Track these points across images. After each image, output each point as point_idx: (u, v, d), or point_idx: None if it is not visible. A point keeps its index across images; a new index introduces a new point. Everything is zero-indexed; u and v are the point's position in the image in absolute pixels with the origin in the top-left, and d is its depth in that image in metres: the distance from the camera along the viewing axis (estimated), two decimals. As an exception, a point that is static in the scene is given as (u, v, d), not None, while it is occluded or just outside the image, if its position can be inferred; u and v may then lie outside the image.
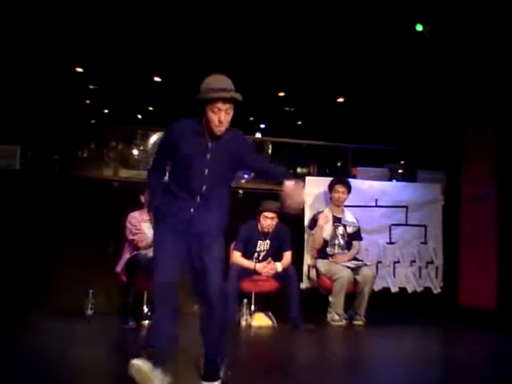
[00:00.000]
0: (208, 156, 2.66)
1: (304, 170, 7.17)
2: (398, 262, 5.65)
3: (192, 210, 2.67)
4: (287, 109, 9.16)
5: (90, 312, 4.68)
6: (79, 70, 7.46)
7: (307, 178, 5.75)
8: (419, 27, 5.38)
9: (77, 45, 6.29)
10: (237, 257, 4.79)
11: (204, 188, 2.67)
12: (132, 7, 5.59)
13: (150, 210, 3.10)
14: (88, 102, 8.75)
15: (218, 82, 2.59)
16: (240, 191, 5.66)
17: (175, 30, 5.90)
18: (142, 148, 6.63)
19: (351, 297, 4.90)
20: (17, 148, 5.28)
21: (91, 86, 8.45)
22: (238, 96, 2.59)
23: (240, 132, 2.74)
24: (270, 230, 4.86)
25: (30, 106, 6.26)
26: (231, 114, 2.62)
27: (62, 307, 4.68)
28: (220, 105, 2.55)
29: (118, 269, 4.63)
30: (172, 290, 2.60)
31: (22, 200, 5.00)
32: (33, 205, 5.03)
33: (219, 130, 2.60)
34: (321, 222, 5.07)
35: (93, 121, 7.97)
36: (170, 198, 2.70)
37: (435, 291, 5.65)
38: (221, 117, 2.56)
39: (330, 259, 5.05)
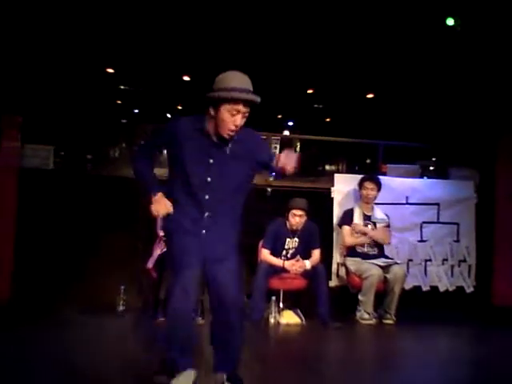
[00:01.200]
0: (211, 161, 2.44)
1: (333, 168, 7.13)
2: (430, 260, 5.56)
3: (204, 231, 2.46)
4: (316, 106, 9.10)
5: (121, 308, 4.77)
6: (110, 70, 7.59)
7: (336, 175, 5.71)
8: (450, 21, 5.26)
9: (107, 46, 6.39)
10: (265, 254, 4.79)
11: (208, 198, 2.44)
12: (161, 7, 5.64)
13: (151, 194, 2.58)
14: (119, 102, 8.90)
15: (241, 81, 2.38)
16: (268, 189, 5.67)
17: (204, 29, 5.94)
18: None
19: (381, 295, 4.85)
20: (51, 148, 5.41)
21: (122, 87, 8.59)
22: (259, 100, 2.40)
23: (253, 131, 2.54)
24: (299, 228, 4.85)
25: (63, 107, 6.40)
26: (247, 116, 2.42)
27: (95, 303, 4.78)
28: (241, 107, 2.35)
29: (149, 265, 4.69)
30: (196, 283, 2.44)
31: (56, 198, 5.12)
32: (66, 203, 5.14)
33: (231, 133, 2.39)
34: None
35: (123, 120, 8.10)
36: (179, 211, 2.46)
37: (468, 290, 5.54)
38: (237, 120, 2.36)
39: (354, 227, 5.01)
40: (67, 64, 6.50)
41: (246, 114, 2.40)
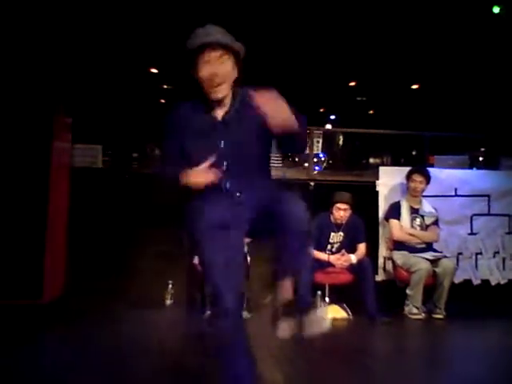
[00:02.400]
0: (220, 129, 2.13)
1: (377, 161, 7.03)
2: (481, 253, 5.39)
3: (238, 194, 2.11)
4: (359, 98, 9.00)
5: (169, 302, 4.88)
6: (154, 70, 7.76)
7: (381, 168, 5.59)
8: (496, 9, 5.09)
9: (151, 47, 6.54)
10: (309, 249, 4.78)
11: (226, 165, 2.09)
12: (202, 6, 5.72)
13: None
14: (162, 101, 9.08)
15: (205, 30, 2.12)
16: (311, 183, 5.64)
17: (242, 24, 5.97)
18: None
19: (430, 289, 4.74)
20: (99, 147, 5.58)
21: (165, 86, 8.76)
22: (228, 40, 2.08)
23: (249, 89, 2.12)
24: (343, 222, 4.80)
25: (110, 108, 6.58)
26: (228, 64, 2.10)
27: (143, 298, 4.90)
28: (212, 53, 2.05)
29: (195, 260, 4.77)
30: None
31: (106, 196, 5.28)
32: (115, 200, 5.30)
33: (215, 89, 2.07)
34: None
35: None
36: (199, 201, 2.11)
37: (521, 283, 5.34)
38: (212, 68, 2.04)
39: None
40: (113, 66, 6.69)
41: (223, 60, 2.08)
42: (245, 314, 4.14)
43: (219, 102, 2.16)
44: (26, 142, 4.39)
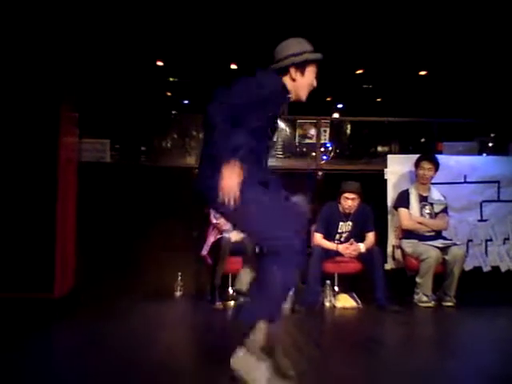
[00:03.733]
0: (277, 126, 2.59)
1: (385, 149, 6.96)
2: (491, 240, 5.35)
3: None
4: (365, 86, 8.91)
5: (179, 293, 4.92)
6: (160, 63, 7.73)
7: (389, 156, 5.58)
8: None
9: (156, 40, 6.51)
10: (318, 238, 4.78)
11: (265, 160, 2.56)
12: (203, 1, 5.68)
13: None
14: (169, 93, 9.06)
15: (311, 46, 2.58)
16: (319, 172, 5.63)
17: (249, 15, 5.93)
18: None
19: (439, 277, 4.73)
20: (107, 142, 5.60)
21: (171, 79, 8.73)
22: None
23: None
24: (352, 211, 4.79)
25: (117, 102, 6.59)
26: None
27: (153, 290, 4.94)
28: (317, 68, 2.56)
29: (204, 252, 4.79)
30: None
31: (114, 190, 5.31)
32: (123, 194, 5.32)
33: (306, 95, 2.55)
34: None
35: (174, 112, 8.25)
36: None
37: (531, 270, 5.31)
38: (315, 81, 2.55)
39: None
40: (118, 59, 6.68)
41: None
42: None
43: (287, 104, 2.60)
44: (34, 138, 4.43)
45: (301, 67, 2.50)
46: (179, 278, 4.98)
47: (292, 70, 2.50)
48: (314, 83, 2.55)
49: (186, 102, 9.35)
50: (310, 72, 2.53)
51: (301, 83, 2.52)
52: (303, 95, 2.55)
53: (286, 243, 2.29)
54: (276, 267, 2.31)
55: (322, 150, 6.06)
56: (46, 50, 4.58)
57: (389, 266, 5.16)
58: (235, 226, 2.74)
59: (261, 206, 2.33)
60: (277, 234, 2.30)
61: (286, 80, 2.52)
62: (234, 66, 7.92)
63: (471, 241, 5.33)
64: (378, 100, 9.04)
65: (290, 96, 2.55)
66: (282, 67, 2.51)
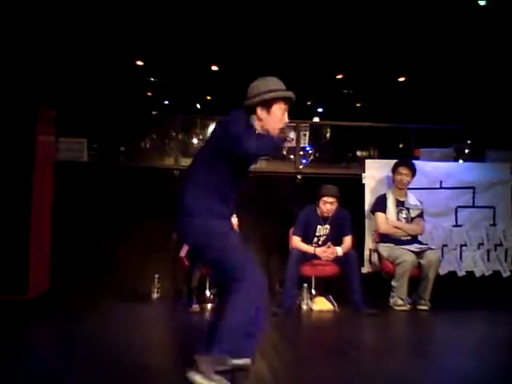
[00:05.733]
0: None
1: (364, 153, 7.04)
2: (465, 245, 5.44)
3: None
4: (346, 91, 9.00)
5: (156, 296, 4.88)
6: (140, 63, 7.69)
7: (367, 161, 5.62)
8: (482, 1, 5.11)
9: (136, 39, 6.47)
10: (296, 242, 4.80)
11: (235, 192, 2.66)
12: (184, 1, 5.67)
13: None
14: (149, 94, 9.01)
15: (282, 84, 2.64)
16: (298, 176, 5.65)
17: (231, 19, 5.93)
18: (201, 137, 6.76)
19: (415, 281, 4.79)
20: (84, 141, 5.52)
21: (152, 79, 8.69)
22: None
23: None
24: (330, 215, 4.82)
25: (95, 100, 6.52)
26: None
27: (130, 292, 4.90)
28: (287, 105, 2.60)
29: (182, 254, 4.77)
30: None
31: (91, 190, 5.24)
32: (101, 195, 5.26)
33: (277, 131, 2.59)
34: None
35: (154, 112, 8.21)
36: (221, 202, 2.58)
37: (504, 275, 5.40)
38: (285, 117, 2.61)
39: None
40: (98, 58, 6.61)
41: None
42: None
43: None
44: (9, 136, 4.34)
45: (266, 106, 2.56)
46: (156, 280, 4.94)
47: (258, 109, 2.56)
48: (285, 119, 2.60)
49: (166, 102, 9.31)
50: (278, 109, 2.57)
51: (267, 121, 2.57)
52: (272, 131, 2.59)
53: (249, 282, 2.45)
54: (239, 303, 2.45)
55: (302, 153, 6.09)
56: (23, 47, 4.51)
57: (365, 269, 5.21)
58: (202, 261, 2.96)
59: (228, 243, 2.54)
60: (242, 272, 2.46)
61: (254, 119, 2.59)
62: (214, 68, 7.92)
63: (446, 246, 5.41)
64: (358, 105, 9.14)
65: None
66: (249, 106, 2.59)
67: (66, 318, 4.09)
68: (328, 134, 6.81)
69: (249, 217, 4.98)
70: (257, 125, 2.59)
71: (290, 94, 2.60)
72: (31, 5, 4.55)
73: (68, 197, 5.06)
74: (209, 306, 4.55)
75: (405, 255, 4.75)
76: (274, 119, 2.58)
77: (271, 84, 2.59)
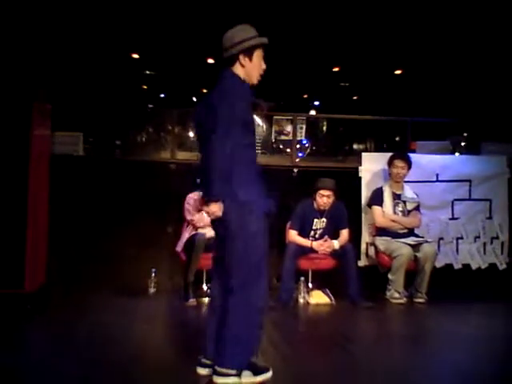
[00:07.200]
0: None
1: (360, 147, 7.04)
2: (462, 238, 5.45)
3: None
4: (342, 84, 8.98)
5: (152, 290, 4.87)
6: (135, 56, 7.65)
7: (363, 154, 5.61)
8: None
9: (132, 32, 6.44)
10: (293, 235, 4.80)
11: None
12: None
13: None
14: (145, 87, 8.98)
15: (255, 31, 2.66)
16: (295, 170, 5.64)
17: (225, 9, 5.90)
18: (197, 130, 6.72)
19: (412, 274, 4.80)
20: (80, 134, 5.50)
21: (147, 72, 8.65)
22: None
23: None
24: (327, 208, 4.82)
25: (91, 94, 6.49)
26: None
27: (126, 286, 4.89)
28: (263, 53, 2.65)
29: (178, 248, 4.76)
30: None
31: (87, 184, 5.22)
32: (97, 188, 5.24)
33: (259, 78, 2.64)
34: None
35: (150, 105, 8.18)
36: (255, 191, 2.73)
37: (501, 267, 5.42)
38: (263, 64, 2.65)
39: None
40: (93, 51, 6.58)
41: None
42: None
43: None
44: (5, 130, 4.30)
45: (248, 53, 2.60)
46: (153, 274, 4.93)
47: (241, 57, 2.60)
48: (263, 66, 2.65)
49: (162, 95, 9.28)
50: (258, 57, 2.62)
51: (250, 68, 2.62)
52: (254, 79, 2.64)
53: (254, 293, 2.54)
54: (241, 309, 2.52)
55: (298, 146, 6.09)
56: (19, 41, 4.47)
57: (362, 262, 5.21)
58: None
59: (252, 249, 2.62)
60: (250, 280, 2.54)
61: (237, 67, 2.62)
62: (210, 61, 7.89)
63: (442, 239, 5.42)
64: (355, 98, 9.13)
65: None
66: (230, 56, 2.62)
67: (63, 311, 4.09)
68: (324, 128, 6.80)
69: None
70: (240, 73, 2.63)
71: (266, 39, 2.66)
72: (27, 0, 4.51)
73: (64, 191, 5.03)
74: (205, 300, 4.56)
75: (401, 248, 4.76)
76: (256, 66, 2.62)
77: (249, 31, 2.64)
